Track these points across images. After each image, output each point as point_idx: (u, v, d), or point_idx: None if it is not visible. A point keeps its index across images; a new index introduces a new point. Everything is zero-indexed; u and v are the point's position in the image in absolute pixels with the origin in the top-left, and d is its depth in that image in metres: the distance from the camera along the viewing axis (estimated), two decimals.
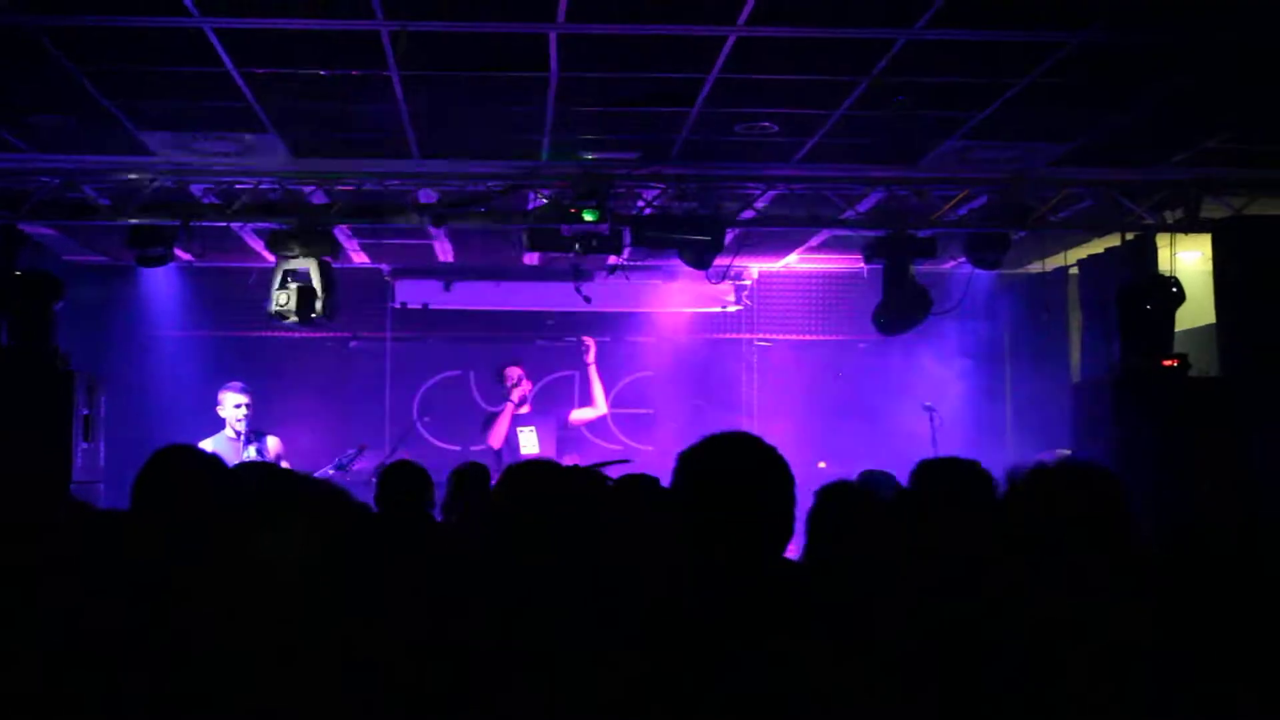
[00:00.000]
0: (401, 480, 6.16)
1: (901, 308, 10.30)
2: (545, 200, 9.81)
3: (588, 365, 11.29)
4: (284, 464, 9.39)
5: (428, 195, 9.87)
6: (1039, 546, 3.08)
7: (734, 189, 9.89)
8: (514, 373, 11.05)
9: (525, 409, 11.09)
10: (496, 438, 10.79)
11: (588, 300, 10.80)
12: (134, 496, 3.20)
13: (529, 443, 10.80)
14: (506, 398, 11.02)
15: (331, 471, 10.09)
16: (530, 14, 6.55)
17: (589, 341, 11.28)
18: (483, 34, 6.82)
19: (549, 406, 11.86)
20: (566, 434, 11.36)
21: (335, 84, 7.63)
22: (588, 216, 9.51)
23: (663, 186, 9.74)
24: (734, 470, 2.93)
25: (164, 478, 3.22)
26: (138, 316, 12.44)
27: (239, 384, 10.22)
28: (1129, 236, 10.28)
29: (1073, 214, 10.29)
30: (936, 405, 11.11)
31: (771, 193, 9.90)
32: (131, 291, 12.31)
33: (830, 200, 10.03)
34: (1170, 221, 10.10)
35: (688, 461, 2.98)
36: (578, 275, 10.65)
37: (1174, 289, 9.79)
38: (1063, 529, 3.07)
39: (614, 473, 5.09)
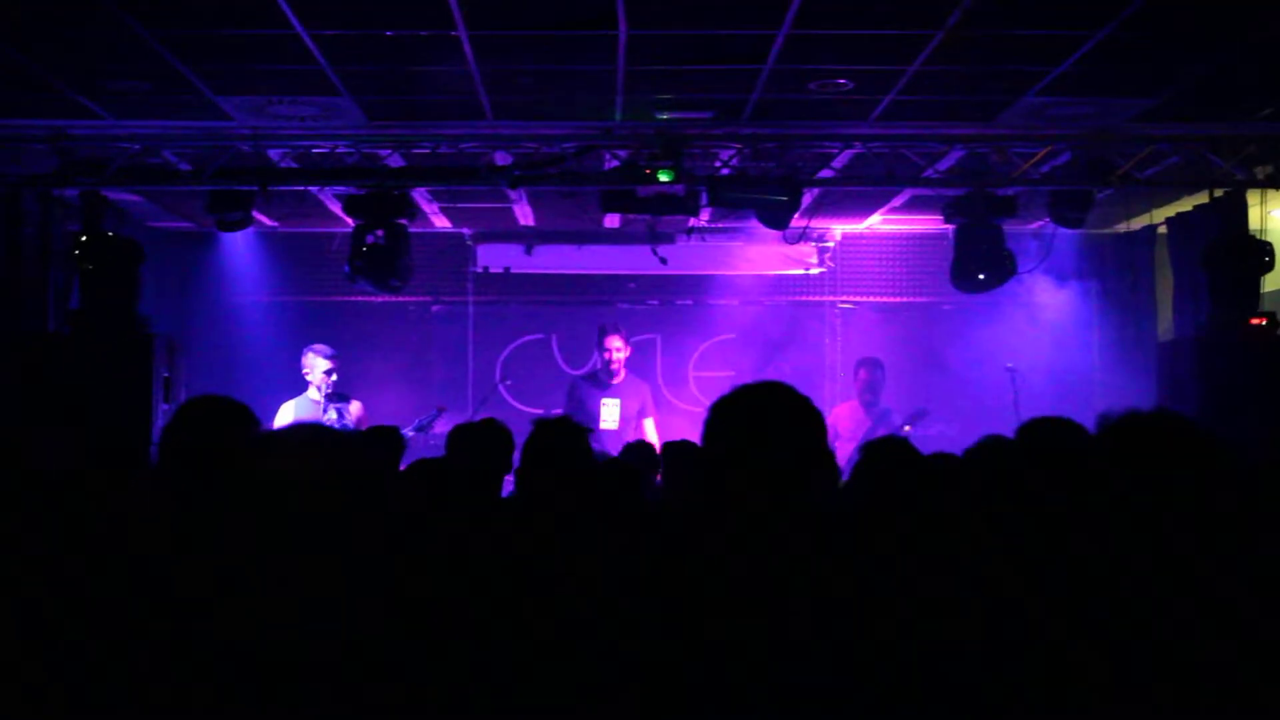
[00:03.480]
0: (470, 439, 6.11)
1: (982, 267, 10.16)
2: (620, 162, 9.76)
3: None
4: (365, 428, 9.44)
5: (503, 157, 9.86)
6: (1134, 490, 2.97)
7: (810, 148, 9.78)
8: (613, 344, 10.84)
9: (618, 379, 10.87)
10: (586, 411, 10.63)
11: (664, 261, 10.74)
12: (160, 446, 3.21)
13: (609, 417, 10.66)
14: (602, 368, 10.89)
15: (411, 433, 10.13)
16: None
17: None
18: None
19: (629, 368, 11.82)
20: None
21: (405, 45, 7.62)
22: (663, 177, 9.46)
23: (738, 146, 9.66)
24: (765, 417, 2.88)
25: (189, 426, 3.24)
26: (222, 281, 12.60)
27: (326, 347, 10.28)
28: (1217, 193, 10.05)
29: (1159, 170, 10.06)
30: (1020, 366, 10.95)
31: (849, 152, 9.80)
32: (216, 257, 12.47)
33: (909, 159, 9.89)
34: (1260, 177, 9.86)
35: (721, 410, 2.94)
36: (654, 237, 10.59)
37: (1266, 256, 9.60)
38: (1161, 473, 2.96)
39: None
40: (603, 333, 10.93)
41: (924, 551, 3.10)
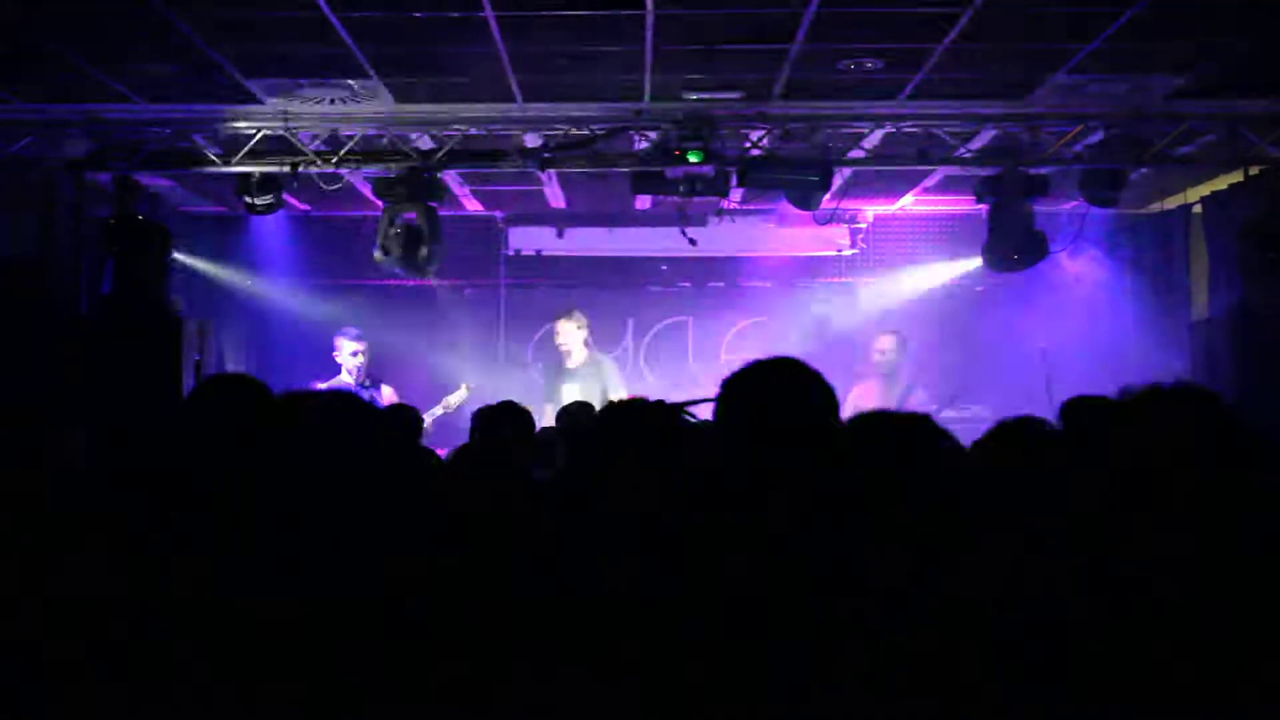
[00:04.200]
0: (490, 419, 6.14)
1: (1013, 247, 10.10)
2: (649, 143, 9.75)
3: None
4: None
5: (532, 139, 9.86)
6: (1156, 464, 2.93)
7: (840, 128, 9.72)
8: (563, 327, 10.96)
9: (575, 363, 10.91)
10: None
11: (693, 243, 10.69)
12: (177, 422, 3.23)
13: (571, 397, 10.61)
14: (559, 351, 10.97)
15: (440, 412, 10.19)
16: None
17: None
18: None
19: (660, 349, 11.82)
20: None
21: (433, 27, 7.61)
22: (692, 158, 9.44)
23: (768, 127, 9.62)
24: (778, 391, 2.87)
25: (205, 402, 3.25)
26: (254, 265, 12.63)
27: (354, 330, 10.38)
28: (1252, 171, 9.96)
29: (1194, 149, 9.98)
30: (1053, 347, 10.88)
31: (879, 131, 9.73)
32: (247, 241, 12.50)
33: (940, 138, 9.83)
34: None
35: (733, 385, 2.94)
36: (685, 219, 10.55)
37: None
38: (1182, 444, 2.92)
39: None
40: (555, 319, 11.04)
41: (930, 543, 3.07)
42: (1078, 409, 4.27)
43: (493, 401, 6.71)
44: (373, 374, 10.38)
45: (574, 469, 3.47)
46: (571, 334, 10.87)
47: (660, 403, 3.22)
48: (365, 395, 9.91)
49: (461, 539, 2.90)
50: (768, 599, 2.57)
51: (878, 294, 13.21)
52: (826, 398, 2.87)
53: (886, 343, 11.15)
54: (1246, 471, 2.87)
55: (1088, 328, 11.97)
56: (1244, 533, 2.68)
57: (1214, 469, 2.84)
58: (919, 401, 10.60)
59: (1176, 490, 2.75)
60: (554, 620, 2.71)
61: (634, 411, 3.33)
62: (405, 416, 7.03)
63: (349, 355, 10.26)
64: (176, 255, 10.25)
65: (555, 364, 11.16)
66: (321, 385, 10.16)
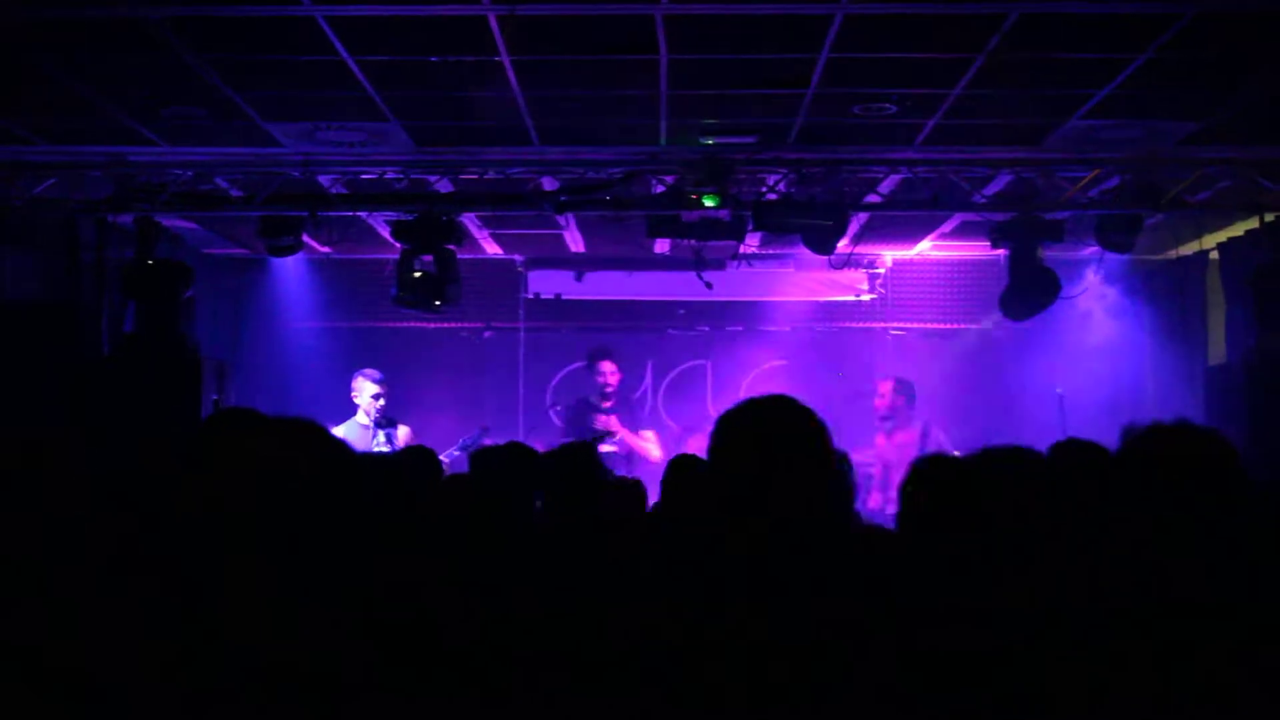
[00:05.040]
0: (489, 462, 6.13)
1: (1029, 292, 10.11)
2: (665, 187, 9.81)
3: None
4: None
5: (550, 183, 9.93)
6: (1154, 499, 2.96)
7: (856, 172, 9.77)
8: (606, 367, 11.27)
9: (608, 404, 11.29)
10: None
11: (709, 286, 10.73)
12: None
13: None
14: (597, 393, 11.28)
15: (456, 453, 10.24)
16: None
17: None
18: (589, 16, 6.84)
19: (679, 393, 11.90)
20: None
21: (450, 71, 7.70)
22: (708, 202, 9.50)
23: (784, 171, 9.68)
24: (772, 430, 2.90)
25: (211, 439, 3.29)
26: (274, 307, 12.72)
27: (375, 372, 10.44)
28: (1268, 217, 9.96)
29: (1210, 194, 9.99)
30: (1070, 392, 10.88)
31: (895, 176, 9.78)
32: (268, 283, 12.60)
33: (955, 184, 9.87)
34: None
35: (727, 423, 2.97)
36: (702, 263, 10.59)
37: None
38: (1181, 481, 2.95)
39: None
40: (597, 358, 11.36)
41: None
42: (1067, 450, 4.34)
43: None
44: (389, 414, 10.43)
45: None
46: (616, 374, 11.26)
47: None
48: (382, 434, 10.00)
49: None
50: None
51: (896, 339, 13.23)
52: (818, 434, 2.90)
53: (884, 388, 11.17)
54: (1237, 506, 2.89)
55: (1105, 372, 11.96)
56: (1224, 564, 2.70)
57: (1206, 502, 2.87)
58: (937, 444, 10.60)
59: (1162, 519, 2.78)
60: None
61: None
62: (421, 457, 7.05)
63: (368, 396, 10.32)
64: (197, 296, 10.32)
65: (586, 400, 11.44)
66: (338, 427, 10.23)
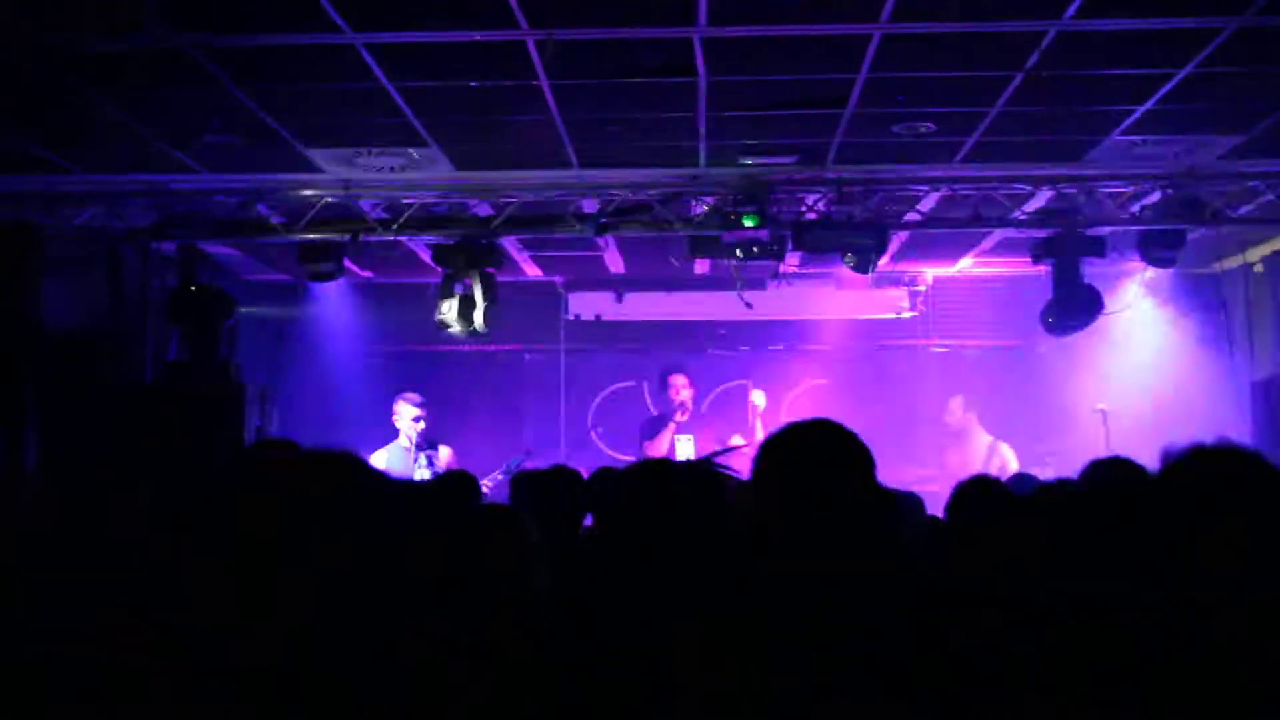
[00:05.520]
0: (531, 487, 6.11)
1: (1071, 308, 10.07)
2: (706, 208, 9.81)
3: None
4: None
5: (590, 205, 9.95)
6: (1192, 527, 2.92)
7: (896, 191, 9.74)
8: (678, 381, 11.14)
9: (683, 417, 11.20)
10: (656, 449, 10.87)
11: (749, 306, 10.72)
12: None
13: (685, 451, 10.84)
14: (670, 408, 11.15)
15: (500, 476, 10.25)
16: (671, 18, 6.56)
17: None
18: (627, 40, 6.85)
19: (720, 413, 11.88)
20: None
21: (489, 95, 7.72)
22: (748, 222, 9.48)
23: (823, 190, 9.66)
24: (817, 456, 2.89)
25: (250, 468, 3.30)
26: (316, 332, 12.76)
27: (415, 395, 10.49)
28: None
29: (1252, 208, 9.91)
30: (1113, 408, 10.81)
31: (935, 194, 9.75)
32: (310, 308, 12.64)
33: (996, 200, 9.83)
34: None
35: (771, 449, 2.95)
36: (742, 283, 10.59)
37: None
38: (1222, 508, 2.91)
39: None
40: (668, 372, 11.40)
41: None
42: (1103, 470, 4.31)
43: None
44: (431, 437, 10.46)
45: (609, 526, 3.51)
46: (688, 388, 11.30)
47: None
48: (423, 456, 10.03)
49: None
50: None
51: (938, 356, 13.18)
52: (862, 459, 2.88)
53: (954, 404, 11.24)
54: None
55: (1149, 388, 11.87)
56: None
57: (1245, 524, 2.83)
58: (1002, 461, 10.67)
59: (1203, 543, 2.74)
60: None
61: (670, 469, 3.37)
62: (461, 481, 7.06)
63: (409, 420, 10.36)
64: (240, 323, 10.39)
65: (660, 417, 11.48)
66: (380, 451, 10.27)
